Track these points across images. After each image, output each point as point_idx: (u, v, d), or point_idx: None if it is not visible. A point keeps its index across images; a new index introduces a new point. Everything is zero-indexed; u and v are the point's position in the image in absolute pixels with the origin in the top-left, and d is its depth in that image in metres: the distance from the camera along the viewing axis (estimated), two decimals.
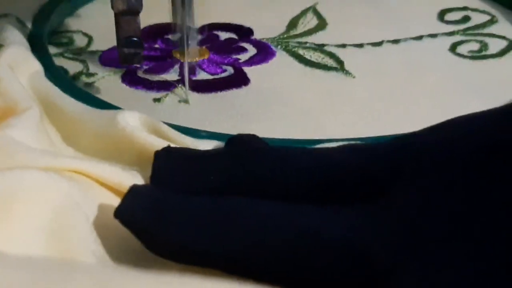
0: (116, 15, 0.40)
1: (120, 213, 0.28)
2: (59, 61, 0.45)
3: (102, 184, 0.33)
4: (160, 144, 0.33)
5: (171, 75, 0.44)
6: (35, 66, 0.39)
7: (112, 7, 0.40)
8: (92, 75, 0.44)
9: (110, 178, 0.32)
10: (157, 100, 0.41)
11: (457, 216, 0.27)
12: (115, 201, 0.29)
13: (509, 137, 0.28)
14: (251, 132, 0.38)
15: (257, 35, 0.48)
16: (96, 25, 0.49)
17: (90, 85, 0.43)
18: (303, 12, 0.51)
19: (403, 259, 0.26)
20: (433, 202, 0.28)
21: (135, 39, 0.40)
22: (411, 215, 0.27)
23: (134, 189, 0.29)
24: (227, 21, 0.50)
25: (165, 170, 0.32)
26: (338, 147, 0.32)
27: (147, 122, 0.35)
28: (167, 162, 0.32)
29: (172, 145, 0.33)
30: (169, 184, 0.32)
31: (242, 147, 0.33)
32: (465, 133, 0.30)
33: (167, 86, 0.42)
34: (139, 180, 0.33)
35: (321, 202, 0.29)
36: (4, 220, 0.28)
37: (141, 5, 0.40)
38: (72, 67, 0.44)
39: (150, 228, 0.27)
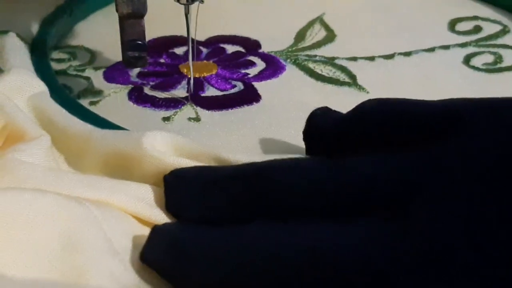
0: (120, 18, 0.39)
1: (145, 256, 0.29)
2: (62, 79, 0.43)
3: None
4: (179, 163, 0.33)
5: (179, 91, 0.42)
6: (40, 87, 0.38)
7: (117, 10, 0.39)
8: (97, 93, 0.42)
9: (126, 208, 0.32)
10: (166, 119, 0.40)
11: (482, 243, 0.26)
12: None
13: None
14: (264, 152, 0.38)
15: (264, 48, 0.47)
16: (98, 39, 0.47)
17: (95, 104, 0.41)
18: (310, 23, 0.50)
19: (423, 283, 0.25)
20: (459, 224, 0.26)
21: (139, 42, 0.40)
22: (433, 236, 0.26)
23: (156, 230, 0.30)
24: (233, 33, 0.48)
25: (177, 199, 0.32)
26: (358, 159, 0.31)
27: (177, 143, 0.34)
28: (178, 189, 0.32)
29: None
30: (184, 213, 0.31)
31: (257, 165, 0.32)
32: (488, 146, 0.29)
33: (176, 103, 0.41)
34: (156, 208, 0.32)
35: (337, 218, 0.28)
36: (8, 242, 0.28)
37: (146, 8, 0.39)
38: (76, 84, 0.43)
39: (174, 271, 0.28)
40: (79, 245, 0.29)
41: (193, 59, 0.45)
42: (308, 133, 0.35)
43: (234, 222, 0.30)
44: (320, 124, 0.35)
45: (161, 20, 0.49)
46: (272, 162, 0.32)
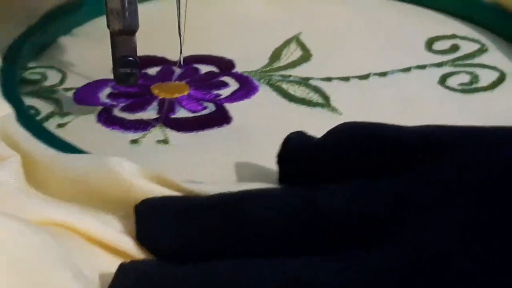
0: (111, 34, 0.40)
1: None
2: (31, 101, 0.42)
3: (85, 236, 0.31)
4: (152, 189, 0.32)
5: (149, 113, 0.42)
6: (5, 109, 0.37)
7: (108, 26, 0.39)
8: (65, 114, 0.41)
9: (94, 235, 0.31)
10: (134, 141, 0.39)
11: (478, 249, 0.25)
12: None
13: None
14: (236, 173, 0.37)
15: (238, 68, 0.46)
16: (70, 59, 0.47)
17: (63, 126, 0.40)
18: (286, 43, 0.49)
19: None
20: (454, 231, 0.26)
21: (131, 58, 0.40)
22: (426, 245, 0.26)
23: (122, 268, 0.29)
24: (207, 53, 0.48)
25: (149, 229, 0.31)
26: (334, 186, 0.30)
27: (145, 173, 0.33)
28: (150, 218, 0.31)
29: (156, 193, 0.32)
30: (156, 243, 0.31)
31: (231, 196, 0.31)
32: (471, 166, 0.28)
33: (145, 125, 0.40)
34: (125, 236, 0.31)
35: (318, 250, 0.28)
36: None
37: (137, 24, 0.39)
38: (45, 107, 0.42)
39: None
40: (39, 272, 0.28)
41: (165, 80, 0.44)
42: (283, 157, 0.34)
43: (207, 255, 0.29)
44: (295, 148, 0.34)
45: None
46: (247, 193, 0.31)
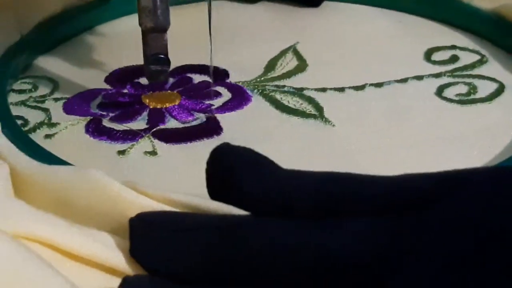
0: (143, 32, 0.40)
1: None
2: (20, 111, 0.42)
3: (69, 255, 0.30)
4: (141, 202, 0.31)
5: (138, 123, 0.41)
6: None
7: (140, 24, 0.40)
8: (54, 125, 0.41)
9: (83, 249, 0.30)
10: (121, 152, 0.39)
11: None
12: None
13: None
14: None
15: (233, 78, 0.46)
16: (61, 70, 0.46)
17: (51, 137, 0.40)
18: (283, 53, 0.48)
19: None
20: None
21: (162, 56, 0.40)
22: None
23: (126, 281, 0.27)
24: (202, 63, 0.47)
25: (144, 245, 0.30)
26: (328, 222, 0.29)
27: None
28: (146, 234, 0.30)
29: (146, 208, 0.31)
30: (150, 260, 0.29)
31: (231, 219, 0.29)
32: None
33: (133, 136, 0.40)
34: (116, 251, 0.30)
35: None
36: None
37: (169, 22, 0.40)
38: (34, 116, 0.42)
39: None
40: None
41: (158, 89, 0.44)
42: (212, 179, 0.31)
43: (206, 279, 0.28)
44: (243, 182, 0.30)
45: (127, 49, 0.47)
46: (254, 220, 0.29)
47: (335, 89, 0.44)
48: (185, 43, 0.48)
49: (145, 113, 0.42)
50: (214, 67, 0.46)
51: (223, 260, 0.28)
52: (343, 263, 0.26)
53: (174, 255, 0.29)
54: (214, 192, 0.31)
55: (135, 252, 0.30)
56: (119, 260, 0.30)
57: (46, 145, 0.38)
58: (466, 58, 0.47)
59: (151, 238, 0.30)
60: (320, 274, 0.27)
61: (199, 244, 0.29)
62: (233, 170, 0.30)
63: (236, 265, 0.28)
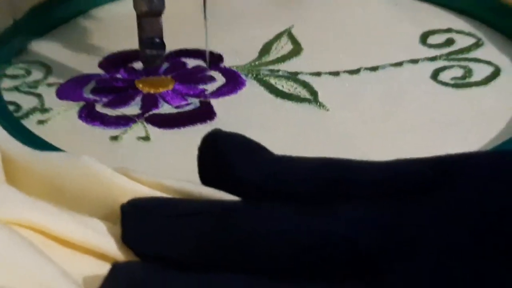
0: (138, 16, 0.40)
1: None
2: (13, 96, 0.42)
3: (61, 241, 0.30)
4: (133, 188, 0.31)
5: (132, 108, 0.41)
6: None
7: (135, 8, 0.40)
8: (46, 110, 0.41)
9: (75, 236, 0.30)
10: (114, 138, 0.38)
11: None
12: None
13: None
14: None
15: (227, 62, 0.45)
16: (55, 55, 0.46)
17: (44, 122, 0.40)
18: (278, 36, 0.48)
19: None
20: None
21: (157, 40, 0.40)
22: None
23: (115, 268, 0.27)
24: (196, 47, 0.47)
25: (136, 231, 0.29)
26: (324, 208, 0.28)
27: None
28: (138, 220, 0.29)
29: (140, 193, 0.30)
30: (143, 247, 0.29)
31: (225, 204, 0.29)
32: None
33: (126, 121, 0.40)
34: (108, 237, 0.30)
35: (308, 275, 0.26)
36: None
37: (164, 6, 0.40)
38: (27, 102, 0.41)
39: None
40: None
41: (152, 74, 0.43)
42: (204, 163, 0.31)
43: (199, 264, 0.28)
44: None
45: (122, 34, 0.47)
46: (240, 205, 0.29)
47: (330, 73, 0.44)
48: (179, 27, 0.48)
49: (138, 98, 0.42)
50: (209, 51, 0.46)
51: (216, 245, 0.28)
52: (339, 251, 0.26)
53: (167, 241, 0.29)
54: (206, 178, 0.30)
55: (127, 238, 0.29)
56: (111, 246, 0.30)
57: (39, 130, 0.38)
58: (462, 41, 0.47)
59: (143, 224, 0.29)
60: (314, 261, 0.27)
61: (192, 229, 0.28)
62: (225, 156, 0.30)
63: (229, 250, 0.28)
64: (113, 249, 0.30)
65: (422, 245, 0.26)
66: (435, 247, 0.25)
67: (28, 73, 0.44)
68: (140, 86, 0.43)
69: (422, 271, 0.25)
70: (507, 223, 0.25)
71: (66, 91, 0.42)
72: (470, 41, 0.47)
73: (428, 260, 0.25)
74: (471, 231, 0.25)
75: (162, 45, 0.40)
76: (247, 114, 0.41)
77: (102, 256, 0.30)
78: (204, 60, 0.44)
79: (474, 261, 0.25)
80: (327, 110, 0.41)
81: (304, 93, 0.42)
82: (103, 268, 0.29)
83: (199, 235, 0.28)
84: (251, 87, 0.43)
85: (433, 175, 0.28)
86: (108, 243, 0.30)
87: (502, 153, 0.30)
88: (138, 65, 0.44)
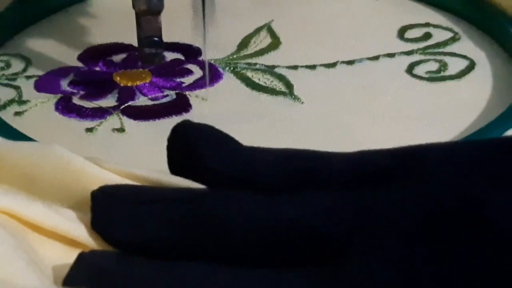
0: (137, 14, 0.40)
1: (68, 283, 0.27)
2: None
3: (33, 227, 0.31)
4: (105, 177, 0.31)
5: (108, 101, 0.41)
6: None
7: (133, 7, 0.40)
8: (24, 102, 0.41)
9: (44, 221, 0.30)
10: (89, 130, 0.39)
11: None
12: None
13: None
14: None
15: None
16: (36, 48, 0.46)
17: (21, 114, 0.40)
18: (257, 30, 0.48)
19: None
20: (400, 275, 0.25)
21: (156, 39, 0.41)
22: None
23: (81, 258, 0.28)
24: (176, 40, 0.47)
25: (106, 217, 0.30)
26: (290, 196, 0.29)
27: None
28: (108, 207, 0.30)
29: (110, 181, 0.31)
30: (112, 234, 0.29)
31: (193, 192, 0.30)
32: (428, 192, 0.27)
33: (102, 113, 0.40)
34: (78, 224, 0.30)
35: (274, 261, 0.27)
36: None
37: (162, 4, 0.40)
38: (5, 94, 0.42)
39: None
40: None
41: (130, 68, 0.44)
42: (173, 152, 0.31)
43: (165, 250, 0.28)
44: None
45: (102, 27, 0.48)
46: (211, 192, 0.30)
47: (307, 66, 0.44)
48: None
49: (115, 91, 0.42)
50: (188, 44, 0.46)
51: (184, 231, 0.28)
52: (304, 237, 0.27)
53: (135, 227, 0.29)
54: (176, 168, 0.31)
55: (96, 224, 0.29)
56: (81, 233, 0.30)
57: (16, 122, 0.39)
58: (439, 36, 0.47)
59: (113, 209, 0.30)
60: (280, 247, 0.27)
61: (161, 216, 0.29)
62: (194, 147, 0.30)
63: (196, 236, 0.28)
64: (84, 236, 0.30)
65: (381, 230, 0.26)
66: (392, 232, 0.26)
67: (8, 65, 0.45)
68: (117, 79, 0.43)
69: (379, 256, 0.26)
70: (456, 210, 0.26)
71: (44, 84, 0.43)
72: (447, 35, 0.47)
73: (386, 244, 0.26)
74: (426, 217, 0.26)
75: (161, 43, 0.41)
76: (222, 107, 0.41)
77: (73, 243, 0.30)
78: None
79: (429, 245, 0.25)
80: (302, 103, 0.41)
81: (280, 86, 0.43)
82: (73, 255, 0.29)
83: (167, 220, 0.28)
84: (228, 80, 0.43)
85: (394, 165, 0.28)
86: (78, 229, 0.30)
87: (458, 144, 0.30)
88: (117, 58, 0.45)
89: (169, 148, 0.31)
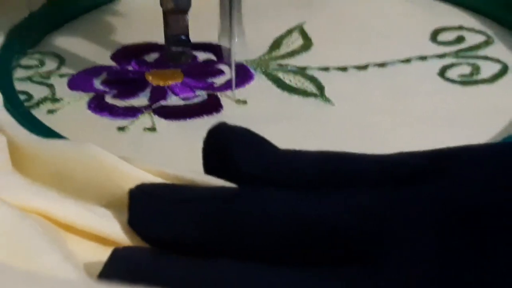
0: (164, 13, 0.41)
1: (103, 277, 0.27)
2: (25, 86, 0.43)
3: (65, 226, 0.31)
4: (138, 175, 0.31)
5: (140, 100, 0.41)
6: None
7: (161, 5, 0.40)
8: (57, 100, 0.41)
9: (77, 221, 0.31)
10: (121, 129, 0.39)
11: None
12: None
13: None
14: None
15: (237, 56, 0.46)
16: (69, 47, 0.46)
17: (53, 112, 0.41)
18: (289, 32, 0.48)
19: None
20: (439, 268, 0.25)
21: (183, 37, 0.41)
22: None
23: (116, 253, 0.28)
24: (208, 41, 0.47)
25: (144, 215, 0.30)
26: (322, 196, 0.29)
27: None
28: (145, 205, 0.30)
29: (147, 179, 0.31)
30: (149, 231, 0.30)
31: (227, 190, 0.30)
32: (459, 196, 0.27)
33: (134, 112, 0.40)
34: (112, 222, 0.31)
35: (306, 260, 0.27)
36: None
37: (190, 3, 0.40)
38: (38, 92, 0.42)
39: None
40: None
41: (162, 67, 0.44)
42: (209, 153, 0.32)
43: (204, 248, 0.29)
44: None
45: (136, 27, 0.48)
46: (252, 192, 0.30)
47: (338, 68, 0.44)
48: (191, 21, 0.48)
49: (147, 90, 0.42)
50: (219, 45, 0.46)
51: (220, 230, 0.29)
52: (336, 236, 0.27)
53: (171, 224, 0.29)
54: (210, 170, 0.31)
55: (133, 222, 0.30)
56: (115, 231, 0.30)
57: (48, 120, 0.39)
58: (472, 39, 0.47)
59: (150, 207, 0.30)
60: (316, 244, 0.27)
61: (197, 214, 0.29)
62: (230, 149, 0.31)
63: (230, 233, 0.28)
64: (117, 234, 0.30)
65: (416, 225, 0.26)
66: (426, 234, 0.26)
67: (42, 63, 0.45)
68: (149, 78, 0.43)
69: (417, 250, 0.26)
70: (493, 206, 0.26)
71: (77, 82, 0.43)
72: (480, 38, 0.47)
73: (423, 240, 0.26)
74: (462, 212, 0.26)
75: (188, 42, 0.41)
76: (253, 108, 0.41)
77: (106, 242, 0.31)
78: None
79: (465, 238, 0.25)
80: (333, 104, 0.41)
81: (311, 88, 0.43)
82: (107, 254, 0.30)
83: (203, 219, 0.29)
84: (259, 81, 0.43)
85: (429, 166, 0.29)
86: (112, 228, 0.30)
87: (493, 146, 0.30)
88: (149, 57, 0.45)
89: (205, 150, 0.31)
